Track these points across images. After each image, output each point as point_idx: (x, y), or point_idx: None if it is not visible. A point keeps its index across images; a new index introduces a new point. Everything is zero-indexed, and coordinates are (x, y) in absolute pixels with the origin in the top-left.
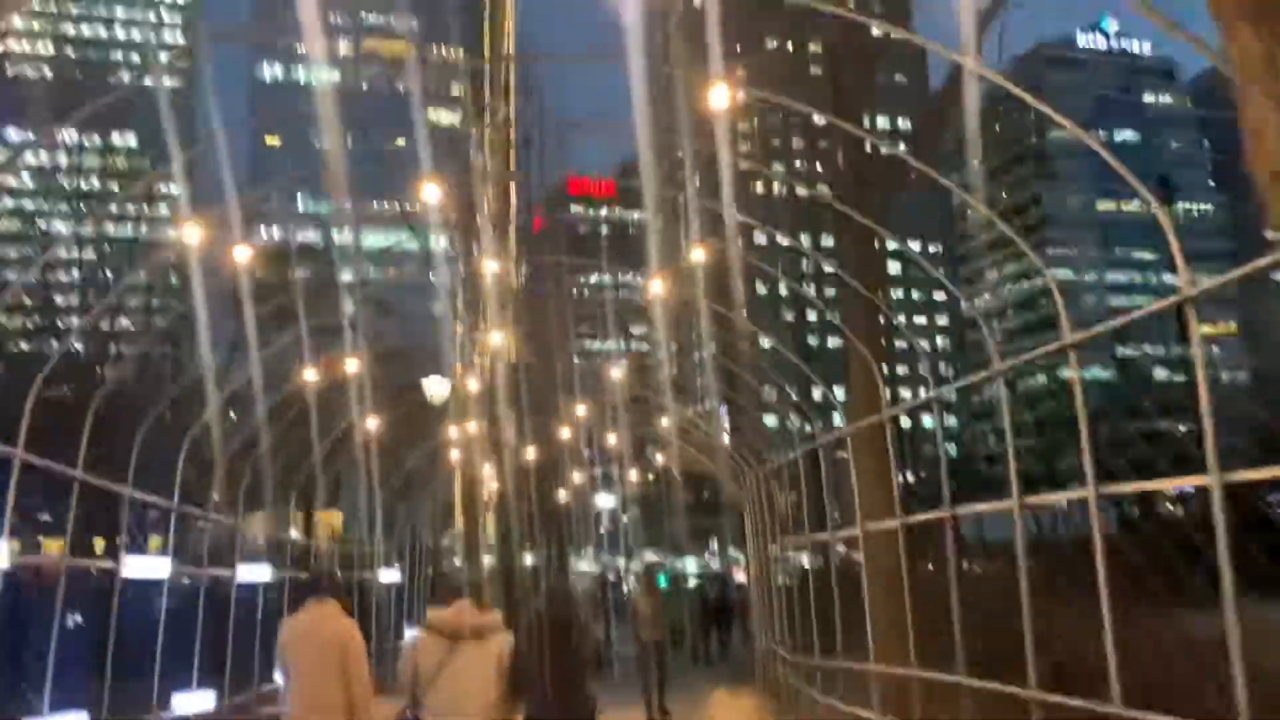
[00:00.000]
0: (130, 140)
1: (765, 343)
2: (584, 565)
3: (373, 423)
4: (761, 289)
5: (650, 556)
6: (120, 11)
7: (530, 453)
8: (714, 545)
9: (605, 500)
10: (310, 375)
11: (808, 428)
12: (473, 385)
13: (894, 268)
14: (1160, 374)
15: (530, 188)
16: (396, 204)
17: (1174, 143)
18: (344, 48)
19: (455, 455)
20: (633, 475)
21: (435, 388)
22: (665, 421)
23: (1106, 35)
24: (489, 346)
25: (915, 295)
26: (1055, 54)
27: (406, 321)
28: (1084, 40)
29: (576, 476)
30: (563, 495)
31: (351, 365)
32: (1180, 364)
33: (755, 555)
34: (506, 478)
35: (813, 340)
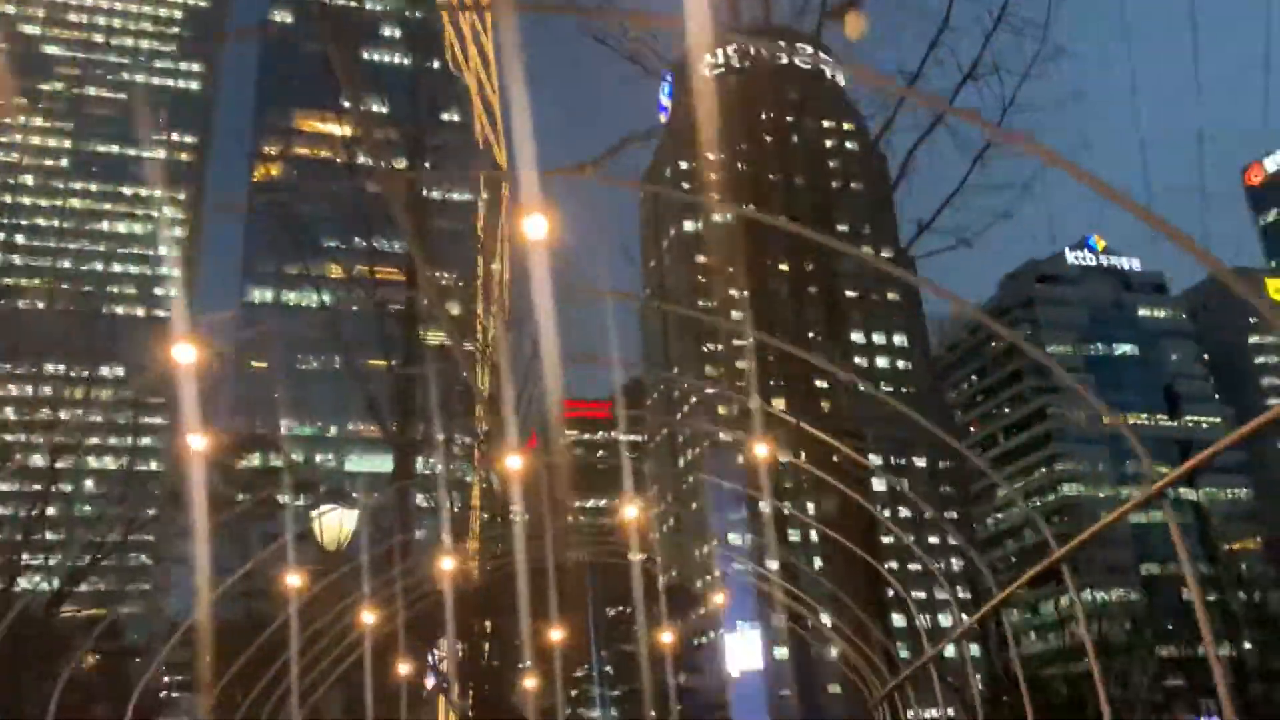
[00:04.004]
0: (118, 371)
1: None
2: None
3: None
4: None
5: None
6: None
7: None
8: None
9: None
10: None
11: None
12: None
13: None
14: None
15: (524, 411)
16: (381, 428)
17: (1174, 355)
18: (335, 270)
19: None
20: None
21: (330, 522)
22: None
23: (1095, 252)
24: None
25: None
26: (1047, 270)
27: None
28: (1073, 258)
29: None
30: None
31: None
32: (1212, 581)
33: None
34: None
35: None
